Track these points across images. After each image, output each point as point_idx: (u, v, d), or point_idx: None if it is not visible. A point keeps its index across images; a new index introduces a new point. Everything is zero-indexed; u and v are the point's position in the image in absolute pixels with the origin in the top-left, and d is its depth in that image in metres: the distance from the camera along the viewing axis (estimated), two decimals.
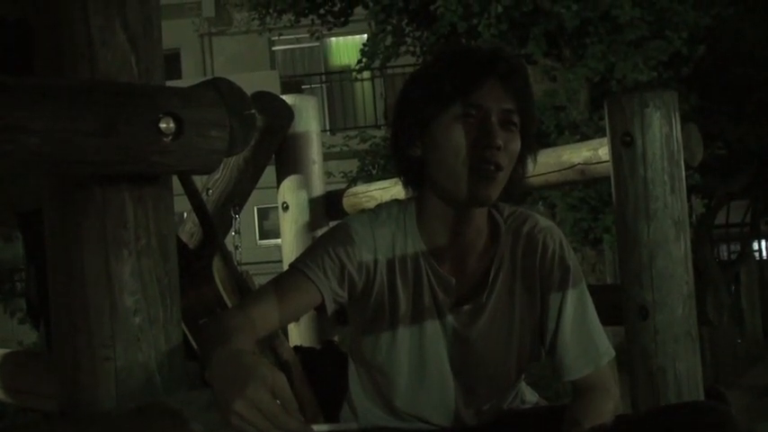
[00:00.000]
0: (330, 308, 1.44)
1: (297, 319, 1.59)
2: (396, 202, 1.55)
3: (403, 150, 1.48)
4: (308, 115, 2.80)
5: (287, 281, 1.44)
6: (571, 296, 1.49)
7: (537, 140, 1.50)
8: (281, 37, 11.31)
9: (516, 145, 1.41)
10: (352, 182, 7.98)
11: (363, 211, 1.58)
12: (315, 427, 1.10)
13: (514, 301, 1.50)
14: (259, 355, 1.19)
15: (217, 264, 1.78)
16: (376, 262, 1.48)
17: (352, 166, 9.07)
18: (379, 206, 1.55)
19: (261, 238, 13.32)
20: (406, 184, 1.52)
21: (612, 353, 1.51)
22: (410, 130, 1.45)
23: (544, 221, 1.54)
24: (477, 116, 1.39)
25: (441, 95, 1.40)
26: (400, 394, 1.53)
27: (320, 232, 2.78)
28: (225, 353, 1.14)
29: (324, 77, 13.89)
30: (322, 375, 1.65)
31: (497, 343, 1.51)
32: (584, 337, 1.49)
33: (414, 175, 1.50)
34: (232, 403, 1.04)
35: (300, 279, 1.43)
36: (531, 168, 1.51)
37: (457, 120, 1.39)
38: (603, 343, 1.51)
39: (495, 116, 1.39)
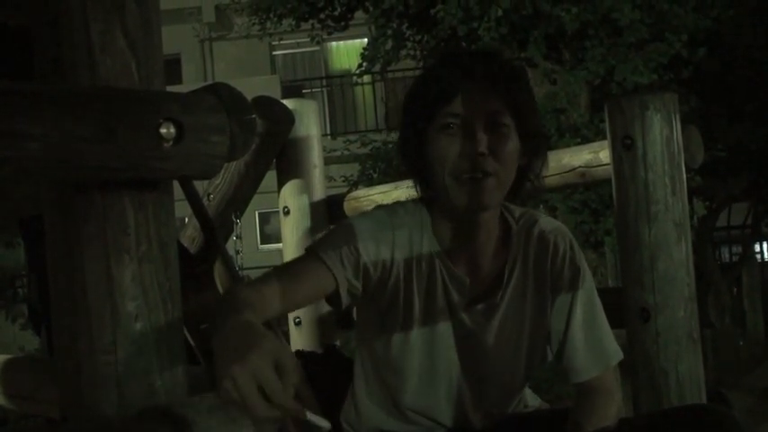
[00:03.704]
0: (344, 298, 1.43)
1: (309, 304, 1.56)
2: (413, 201, 1.55)
3: (407, 157, 1.49)
4: (308, 119, 2.81)
5: (304, 264, 1.42)
6: (581, 297, 1.49)
7: (543, 134, 1.49)
8: (282, 41, 11.35)
9: (509, 145, 1.39)
10: (353, 186, 7.98)
11: (381, 207, 1.58)
12: (308, 414, 1.07)
13: (526, 302, 1.51)
14: (268, 330, 1.16)
15: (218, 269, 1.78)
16: (393, 259, 1.47)
17: (353, 170, 9.07)
18: (397, 203, 1.55)
19: (262, 243, 13.33)
20: (417, 186, 1.52)
21: (621, 354, 1.52)
22: (409, 138, 1.46)
23: (554, 223, 1.55)
24: (460, 125, 1.38)
25: (423, 109, 1.41)
26: (409, 392, 1.53)
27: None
28: (234, 322, 1.11)
29: (324, 82, 13.90)
30: (324, 380, 1.65)
31: (508, 345, 1.51)
32: (594, 339, 1.50)
33: (423, 180, 1.50)
34: (229, 368, 0.99)
35: (317, 264, 1.41)
36: (543, 164, 1.49)
37: (441, 131, 1.39)
38: (612, 344, 1.51)
39: (478, 122, 1.37)
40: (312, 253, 1.43)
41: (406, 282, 1.48)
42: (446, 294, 1.48)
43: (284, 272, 1.40)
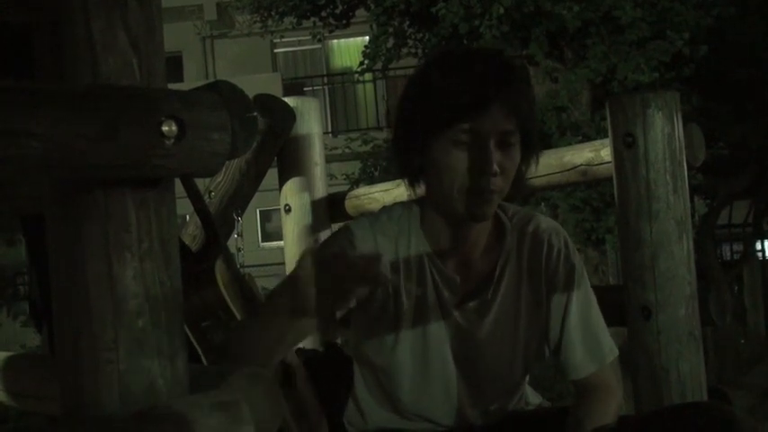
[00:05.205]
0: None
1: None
2: (399, 204, 1.55)
3: (403, 158, 1.47)
4: (309, 117, 2.81)
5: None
6: (576, 295, 1.50)
7: (539, 142, 1.49)
8: (283, 39, 11.33)
9: (514, 158, 1.40)
10: (355, 184, 7.99)
11: (363, 215, 1.58)
12: None
13: (520, 301, 1.50)
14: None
15: (219, 266, 1.78)
16: None
17: (354, 168, 9.09)
18: (382, 209, 1.56)
19: (263, 241, 13.33)
20: (409, 185, 1.52)
21: (616, 351, 1.52)
22: (410, 141, 1.44)
23: (549, 221, 1.55)
24: (475, 141, 1.36)
25: (439, 118, 1.38)
26: (405, 394, 1.53)
27: (323, 234, 2.78)
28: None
29: (326, 79, 13.91)
30: (325, 378, 1.65)
31: (503, 342, 1.51)
32: (590, 336, 1.51)
33: (415, 179, 1.50)
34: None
35: None
36: (533, 169, 1.50)
37: (455, 144, 1.37)
38: (608, 341, 1.52)
39: (491, 139, 1.36)
40: None
41: (394, 286, 1.48)
42: (437, 294, 1.48)
43: (269, 306, 1.41)
